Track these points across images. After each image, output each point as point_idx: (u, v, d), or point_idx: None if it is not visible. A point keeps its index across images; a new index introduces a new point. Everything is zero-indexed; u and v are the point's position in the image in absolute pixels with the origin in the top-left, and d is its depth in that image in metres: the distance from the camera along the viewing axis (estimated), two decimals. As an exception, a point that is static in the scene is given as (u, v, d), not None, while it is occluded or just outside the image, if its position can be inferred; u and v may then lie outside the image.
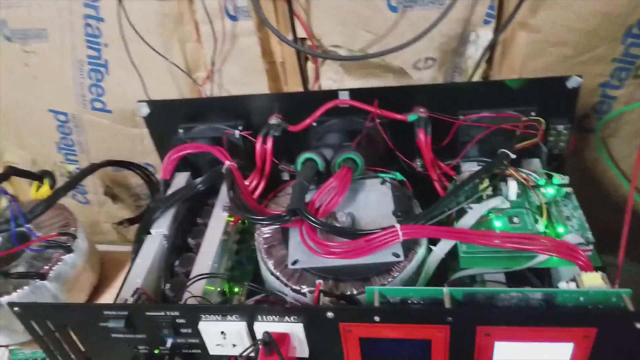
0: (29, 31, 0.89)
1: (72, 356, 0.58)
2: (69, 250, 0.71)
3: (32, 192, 0.83)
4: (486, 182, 0.66)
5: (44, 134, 0.99)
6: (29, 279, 0.68)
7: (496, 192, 0.68)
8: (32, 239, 0.69)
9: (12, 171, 0.76)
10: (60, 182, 0.95)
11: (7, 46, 0.91)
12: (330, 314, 0.50)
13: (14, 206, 0.68)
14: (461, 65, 0.87)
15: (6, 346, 0.73)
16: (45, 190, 0.83)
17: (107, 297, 0.78)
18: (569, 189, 0.67)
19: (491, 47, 0.83)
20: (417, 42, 0.79)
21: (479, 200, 0.66)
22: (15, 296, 0.67)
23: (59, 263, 0.71)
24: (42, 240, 0.70)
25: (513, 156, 0.67)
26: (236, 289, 0.67)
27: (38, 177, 0.83)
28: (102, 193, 1.05)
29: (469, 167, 0.74)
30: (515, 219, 0.64)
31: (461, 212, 0.65)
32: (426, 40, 0.80)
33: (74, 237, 0.74)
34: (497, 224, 0.64)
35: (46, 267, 0.70)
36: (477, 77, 0.87)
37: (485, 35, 0.83)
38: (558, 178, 0.68)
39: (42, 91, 0.94)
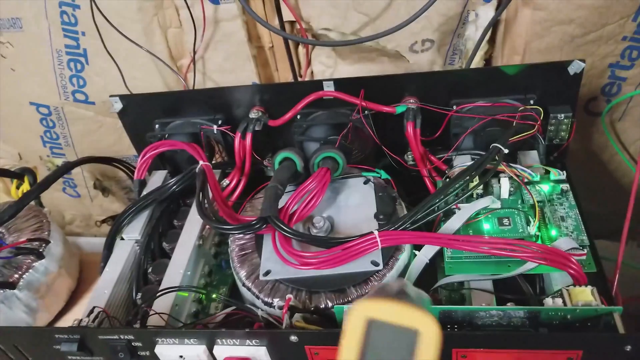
0: (2, 21, 0.85)
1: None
2: (40, 256, 0.69)
3: (12, 191, 0.81)
4: (477, 180, 0.61)
5: (28, 128, 0.97)
6: (-2, 289, 0.66)
7: (487, 190, 0.63)
8: (1, 246, 0.67)
9: (-14, 171, 0.74)
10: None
11: (-20, 38, 0.88)
12: (294, 338, 0.47)
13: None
14: (461, 47, 0.81)
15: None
16: (25, 188, 0.81)
17: (86, 302, 0.76)
18: (565, 186, 0.62)
19: (493, 27, 0.77)
20: (412, 22, 0.73)
21: (470, 199, 0.62)
22: (-16, 306, 0.65)
23: (29, 270, 0.68)
24: (11, 247, 0.68)
25: (506, 151, 0.62)
26: (214, 295, 0.65)
27: (17, 175, 0.80)
28: (92, 187, 1.02)
29: (462, 161, 0.68)
30: (506, 221, 0.59)
31: (448, 212, 0.61)
32: (423, 20, 0.75)
33: (47, 241, 0.71)
34: (486, 226, 0.59)
35: (16, 276, 0.67)
36: (478, 59, 0.81)
37: (485, 14, 0.76)
38: (555, 174, 0.63)
39: (22, 83, 0.91)
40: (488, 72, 0.70)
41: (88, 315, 0.55)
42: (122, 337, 0.49)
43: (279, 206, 0.60)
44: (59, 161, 1.00)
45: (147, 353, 0.51)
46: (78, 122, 0.94)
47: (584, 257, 0.54)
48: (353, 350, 0.26)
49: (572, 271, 0.51)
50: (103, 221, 0.88)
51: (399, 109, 0.68)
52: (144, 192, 0.71)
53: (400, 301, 0.28)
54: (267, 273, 0.58)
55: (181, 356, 0.49)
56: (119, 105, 0.75)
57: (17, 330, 0.54)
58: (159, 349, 0.49)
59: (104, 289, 0.60)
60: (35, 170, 0.85)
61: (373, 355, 0.26)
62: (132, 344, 0.50)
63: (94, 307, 0.55)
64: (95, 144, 0.97)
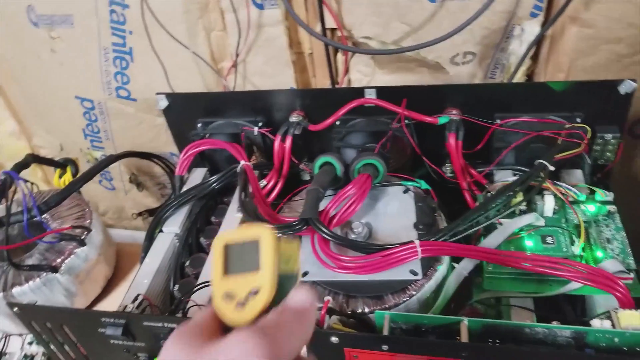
0: (55, 17, 0.88)
1: (72, 355, 0.57)
2: (82, 243, 0.71)
3: (55, 180, 0.83)
4: (520, 196, 0.61)
5: (71, 120, 0.99)
6: (41, 272, 0.67)
7: (530, 207, 0.62)
8: (46, 231, 0.69)
9: (33, 159, 0.75)
10: (87, 168, 0.95)
11: (34, 32, 0.90)
12: (334, 339, 0.47)
13: (29, 197, 0.67)
14: (503, 61, 0.81)
15: (20, 334, 0.73)
16: (67, 178, 0.83)
17: (121, 290, 0.77)
18: (612, 207, 0.61)
19: (537, 43, 0.76)
20: (455, 35, 0.73)
21: (511, 215, 0.61)
22: (26, 288, 0.67)
23: (71, 256, 0.70)
24: (55, 233, 0.69)
25: (551, 168, 0.61)
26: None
27: (60, 164, 0.82)
28: (127, 180, 1.04)
29: (503, 176, 0.68)
30: (549, 239, 0.58)
31: (489, 227, 0.60)
32: (466, 33, 0.74)
33: (89, 230, 0.73)
34: (529, 243, 0.58)
35: (58, 260, 0.69)
36: (520, 75, 0.80)
37: (531, 29, 0.76)
38: (601, 194, 0.62)
39: (69, 77, 0.94)
40: (534, 88, 0.69)
41: (133, 302, 0.56)
42: (165, 325, 0.50)
43: (319, 209, 0.60)
44: (98, 154, 1.02)
45: (188, 342, 0.51)
46: (119, 117, 0.96)
47: (630, 281, 0.53)
48: (219, 268, 0.33)
49: (618, 294, 0.50)
50: (139, 214, 0.89)
51: (442, 119, 0.68)
52: (185, 188, 0.72)
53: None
54: (304, 274, 0.58)
55: (221, 347, 0.49)
56: (164, 103, 0.76)
57: (67, 311, 0.55)
58: (199, 340, 0.49)
59: (144, 278, 0.61)
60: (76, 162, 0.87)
61: (234, 267, 0.33)
62: (175, 331, 0.51)
63: (138, 295, 0.56)
64: (134, 140, 0.98)
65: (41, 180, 1.13)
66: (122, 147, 0.99)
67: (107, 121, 0.97)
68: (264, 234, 0.33)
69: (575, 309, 0.57)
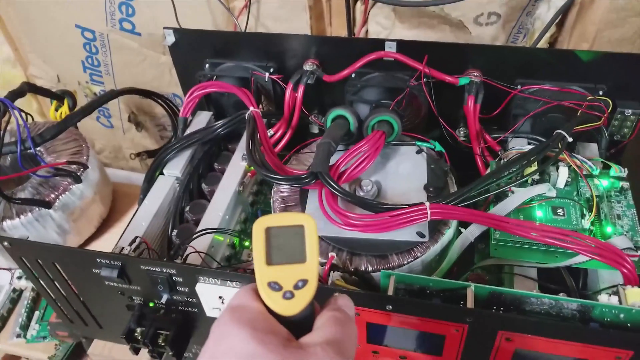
0: (59, -64, 0.82)
1: (63, 293, 0.56)
2: (78, 179, 0.68)
3: (51, 112, 0.80)
4: (534, 166, 0.59)
5: (70, 51, 0.94)
6: (34, 206, 0.65)
7: (543, 177, 0.60)
8: (40, 165, 0.66)
9: (29, 88, 0.71)
10: (84, 102, 0.91)
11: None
12: (336, 295, 0.45)
13: (23, 128, 0.63)
14: (527, 26, 0.78)
15: (9, 269, 0.71)
16: (64, 111, 0.79)
17: (115, 231, 0.75)
18: (625, 184, 0.60)
19: (565, 9, 0.73)
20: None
21: (523, 184, 0.59)
22: (18, 222, 0.65)
23: (66, 192, 0.68)
24: (50, 167, 0.67)
25: (570, 139, 0.60)
26: (247, 243, 0.64)
27: (57, 96, 0.79)
28: (126, 119, 1.00)
29: (518, 144, 0.66)
30: (560, 211, 0.57)
31: (500, 195, 0.59)
32: (494, -9, 0.71)
33: (85, 166, 0.70)
34: (539, 213, 0.57)
35: (52, 196, 0.67)
36: (543, 41, 0.77)
37: (562, -7, 0.73)
38: (615, 169, 0.61)
39: (70, 4, 0.89)
40: (560, 55, 0.66)
41: (130, 244, 0.54)
42: (164, 270, 0.49)
43: (329, 164, 0.58)
44: (97, 89, 0.98)
45: (186, 289, 0.50)
46: (121, 51, 0.92)
47: (637, 259, 0.52)
48: (262, 254, 0.33)
49: (625, 271, 0.49)
50: (137, 155, 0.86)
51: (462, 80, 0.65)
52: (188, 131, 0.70)
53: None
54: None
55: (221, 297, 0.48)
56: (171, 39, 0.72)
57: (60, 249, 0.53)
58: (199, 287, 0.48)
59: (142, 220, 0.59)
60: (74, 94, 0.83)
61: (278, 254, 0.33)
62: (173, 278, 0.49)
63: (136, 237, 0.54)
64: (135, 77, 0.94)
65: (36, 112, 1.09)
66: (122, 84, 0.95)
67: (108, 55, 0.93)
68: (308, 221, 0.33)
69: (577, 281, 0.56)
